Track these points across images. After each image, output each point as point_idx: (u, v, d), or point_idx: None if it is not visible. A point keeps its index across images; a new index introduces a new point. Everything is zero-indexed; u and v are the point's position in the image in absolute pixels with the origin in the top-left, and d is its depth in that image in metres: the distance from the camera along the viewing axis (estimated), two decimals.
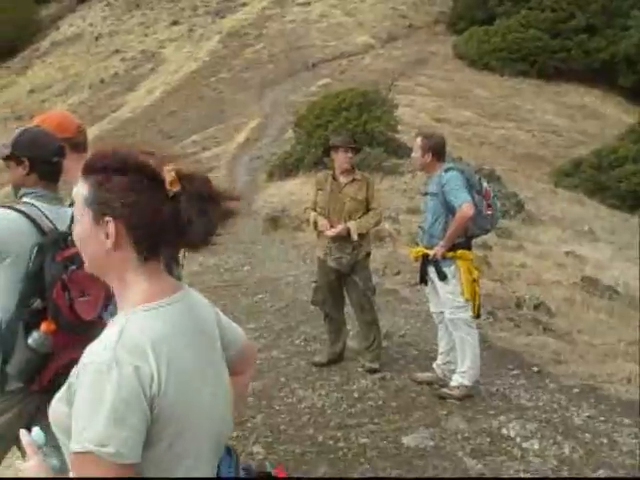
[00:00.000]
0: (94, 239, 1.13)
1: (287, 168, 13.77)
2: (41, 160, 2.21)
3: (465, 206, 3.55)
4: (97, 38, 30.04)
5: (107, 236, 1.11)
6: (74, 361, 2.07)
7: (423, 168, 3.92)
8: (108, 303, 2.22)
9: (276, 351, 4.73)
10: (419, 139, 3.84)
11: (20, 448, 2.22)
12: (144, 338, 1.08)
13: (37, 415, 2.12)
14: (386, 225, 8.52)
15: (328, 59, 24.25)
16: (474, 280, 3.68)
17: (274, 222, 10.20)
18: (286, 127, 17.63)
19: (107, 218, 1.11)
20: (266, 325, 5.42)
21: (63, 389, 1.16)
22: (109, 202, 1.11)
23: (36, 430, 1.25)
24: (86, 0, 36.90)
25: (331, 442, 3.28)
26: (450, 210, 3.65)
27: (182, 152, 16.95)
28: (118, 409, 1.03)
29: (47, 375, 2.08)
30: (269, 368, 4.41)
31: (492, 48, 24.86)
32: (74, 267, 2.09)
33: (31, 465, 1.18)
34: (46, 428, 1.88)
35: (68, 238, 2.15)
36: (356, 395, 3.89)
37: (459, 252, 3.68)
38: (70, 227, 2.22)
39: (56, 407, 1.14)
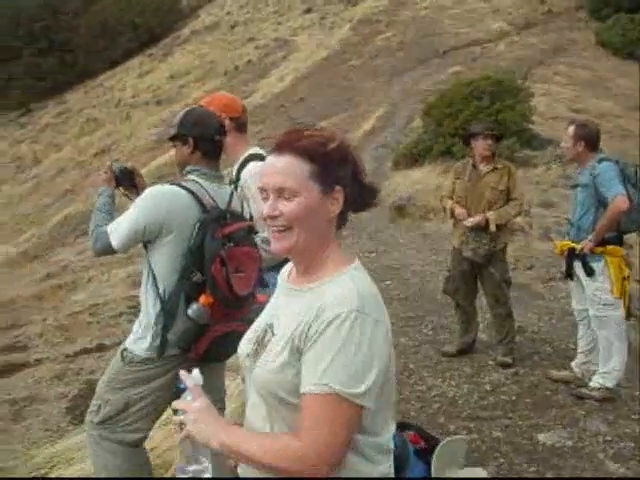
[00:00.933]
0: (321, 209, 1.25)
1: (414, 157, 13.62)
2: (204, 138, 2.33)
3: (618, 199, 3.36)
4: (233, 26, 31.08)
5: (334, 204, 1.26)
6: (228, 333, 2.21)
7: (574, 158, 3.73)
8: (260, 280, 2.31)
9: (404, 338, 4.73)
10: (571, 128, 3.66)
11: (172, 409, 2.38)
12: (373, 292, 1.25)
13: None
14: (518, 218, 8.26)
15: (460, 46, 23.66)
16: (625, 278, 3.47)
17: (400, 210, 10.17)
18: (414, 115, 17.43)
19: (338, 187, 1.25)
20: (393, 312, 5.42)
21: (281, 356, 1.23)
22: (338, 173, 1.25)
23: (196, 371, 1.34)
24: None
25: (464, 432, 3.24)
26: (601, 203, 3.47)
27: None
28: (367, 356, 1.16)
29: (203, 344, 2.21)
30: (397, 355, 4.41)
31: (638, 37, 23.27)
32: (232, 244, 2.19)
33: (199, 405, 1.27)
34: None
35: (227, 215, 2.26)
36: (488, 388, 3.81)
37: (609, 248, 3.48)
38: (229, 204, 2.34)
39: (277, 375, 1.23)
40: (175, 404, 1.31)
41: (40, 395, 3.76)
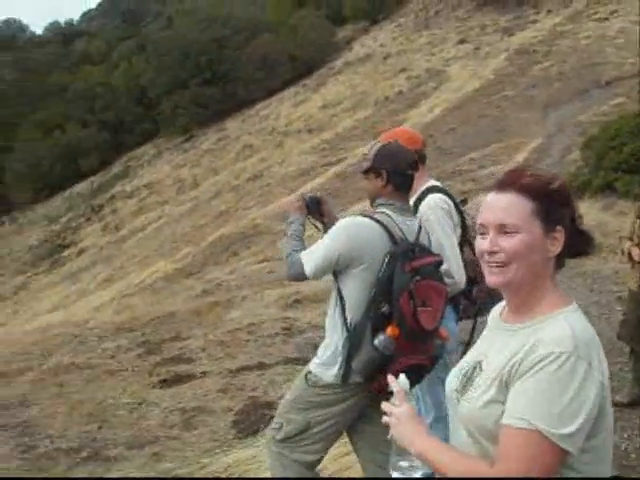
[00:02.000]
0: (540, 247, 1.27)
1: (571, 191, 12.97)
2: (397, 172, 2.38)
3: None
4: (385, 58, 31.59)
5: (555, 244, 1.27)
6: (412, 366, 2.21)
7: None
8: (444, 315, 2.30)
9: None
10: None
11: (349, 436, 2.40)
12: (589, 336, 1.23)
13: (367, 411, 2.28)
14: None
15: (624, 77, 22.34)
16: None
17: None
18: (571, 148, 16.66)
19: (559, 227, 1.28)
20: None
21: (488, 393, 1.23)
22: (560, 213, 1.28)
23: (402, 377, 1.38)
24: (379, 22, 39.06)
25: None
26: None
27: (457, 169, 17.01)
28: (575, 399, 1.14)
29: (386, 376, 2.22)
30: None
31: None
32: (419, 277, 2.20)
33: (402, 410, 1.34)
34: (370, 422, 1.98)
35: (416, 249, 2.28)
36: None
37: None
38: (418, 238, 2.36)
39: (483, 411, 1.23)
40: (383, 405, 1.39)
41: (207, 407, 3.96)
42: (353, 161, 20.07)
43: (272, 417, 3.63)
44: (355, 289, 2.26)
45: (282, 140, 29.21)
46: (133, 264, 22.53)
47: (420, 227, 2.42)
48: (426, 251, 2.36)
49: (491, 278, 1.28)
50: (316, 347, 5.22)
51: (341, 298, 2.29)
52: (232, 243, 17.16)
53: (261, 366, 4.62)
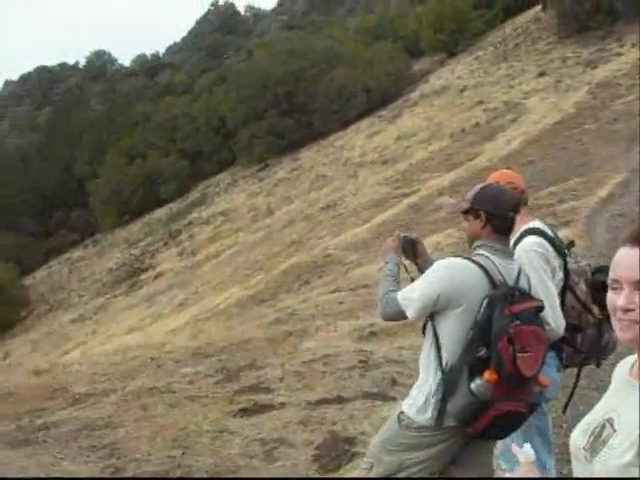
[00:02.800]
0: None
1: None
2: (497, 214, 2.36)
3: None
4: (462, 90, 31.43)
5: None
6: (509, 413, 2.16)
7: None
8: (544, 362, 2.24)
9: None
10: None
11: None
12: None
13: (460, 455, 2.24)
14: None
15: None
16: None
17: None
18: None
19: None
20: None
21: (626, 457, 1.20)
22: None
23: (527, 446, 1.35)
24: (456, 55, 39.01)
25: None
26: None
27: (536, 203, 16.64)
28: None
29: (483, 421, 2.19)
30: None
31: None
32: (519, 322, 2.16)
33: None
34: (462, 466, 1.93)
35: (516, 293, 2.24)
36: None
37: None
38: (517, 281, 2.32)
39: (621, 473, 1.20)
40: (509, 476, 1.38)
41: (288, 439, 3.97)
42: (427, 193, 19.95)
43: (354, 454, 3.61)
44: (452, 330, 2.24)
45: (356, 171, 29.39)
46: (207, 289, 23.01)
47: (520, 270, 2.38)
48: (526, 295, 2.32)
49: (624, 335, 1.24)
50: (394, 382, 5.18)
51: (437, 339, 2.27)
52: (304, 272, 17.27)
53: (340, 400, 4.61)
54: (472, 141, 25.78)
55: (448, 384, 2.19)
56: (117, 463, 3.86)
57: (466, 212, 2.44)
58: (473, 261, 2.29)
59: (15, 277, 39.80)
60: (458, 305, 2.22)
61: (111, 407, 5.26)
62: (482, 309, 2.19)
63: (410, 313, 2.32)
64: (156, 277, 31.24)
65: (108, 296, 31.84)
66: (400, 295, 2.35)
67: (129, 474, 3.69)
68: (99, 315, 28.75)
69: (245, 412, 4.51)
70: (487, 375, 2.12)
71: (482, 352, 2.15)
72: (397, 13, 48.62)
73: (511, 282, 2.29)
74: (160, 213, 43.14)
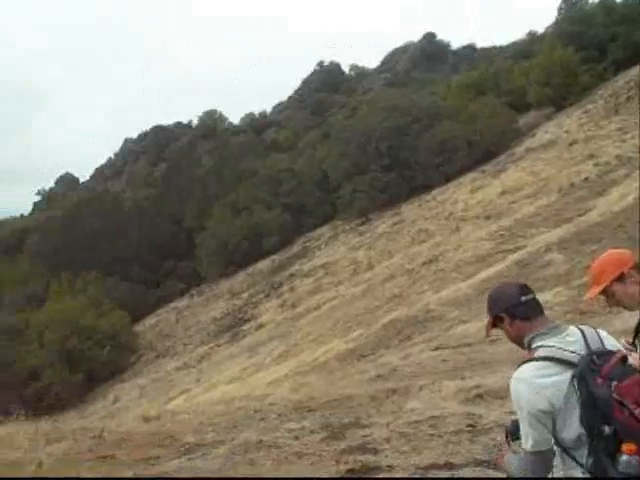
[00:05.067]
0: None
1: None
2: (512, 306, 2.37)
3: None
4: (571, 144, 30.61)
5: None
6: None
7: None
8: None
9: None
10: None
11: None
12: None
13: None
14: None
15: None
16: None
17: None
18: None
19: None
20: None
21: None
22: None
23: None
24: (564, 108, 38.20)
25: None
26: None
27: None
28: None
29: None
30: None
31: None
32: (616, 382, 2.09)
33: None
34: None
35: (594, 357, 2.18)
36: None
37: None
38: (588, 346, 2.27)
39: None
40: None
41: None
42: (533, 249, 19.36)
43: None
44: (567, 429, 2.21)
45: (458, 225, 29.02)
46: (307, 341, 23.14)
47: (583, 332, 2.33)
48: (605, 353, 2.26)
49: None
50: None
51: (559, 444, 2.26)
52: (404, 327, 17.06)
53: (450, 466, 4.48)
54: (582, 196, 24.90)
55: (598, 476, 2.12)
56: None
57: (494, 325, 2.49)
58: (539, 358, 2.27)
59: (127, 324, 41.76)
60: (559, 406, 2.20)
61: (220, 459, 5.36)
62: (578, 393, 2.15)
63: (529, 449, 2.28)
64: (258, 328, 31.80)
65: (212, 345, 32.67)
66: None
67: None
68: (203, 364, 29.50)
69: (353, 473, 4.47)
70: (625, 448, 2.03)
71: (606, 430, 2.07)
72: (500, 68, 48.41)
73: (582, 351, 2.25)
74: (263, 265, 44.17)
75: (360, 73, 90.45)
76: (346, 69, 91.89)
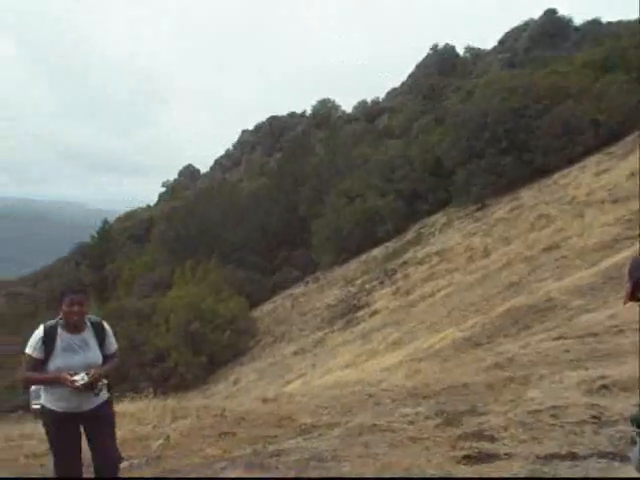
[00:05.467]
0: None
1: None
2: None
3: None
4: None
5: None
6: None
7: None
8: None
9: None
10: None
11: None
12: None
13: None
14: None
15: None
16: None
17: None
18: None
19: None
20: None
21: None
22: None
23: None
24: None
25: None
26: None
27: None
28: None
29: None
30: None
31: None
32: None
33: None
34: None
35: None
36: None
37: None
38: None
39: None
40: None
41: None
42: None
43: None
44: None
45: (582, 210, 27.58)
46: (421, 329, 22.94)
47: None
48: None
49: None
50: (633, 442, 4.69)
51: None
52: (523, 316, 16.50)
53: (572, 456, 4.29)
54: None
55: None
56: None
57: (633, 294, 2.46)
58: None
59: (245, 309, 43.28)
60: None
61: (335, 441, 5.43)
62: None
63: None
64: (371, 315, 31.88)
65: (326, 331, 33.14)
66: None
67: None
68: (318, 349, 30.01)
69: (469, 459, 4.39)
70: None
71: None
72: (630, 44, 45.28)
73: None
74: (376, 252, 44.16)
75: (476, 54, 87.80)
76: (461, 51, 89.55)
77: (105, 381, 4.01)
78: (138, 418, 8.21)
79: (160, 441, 6.54)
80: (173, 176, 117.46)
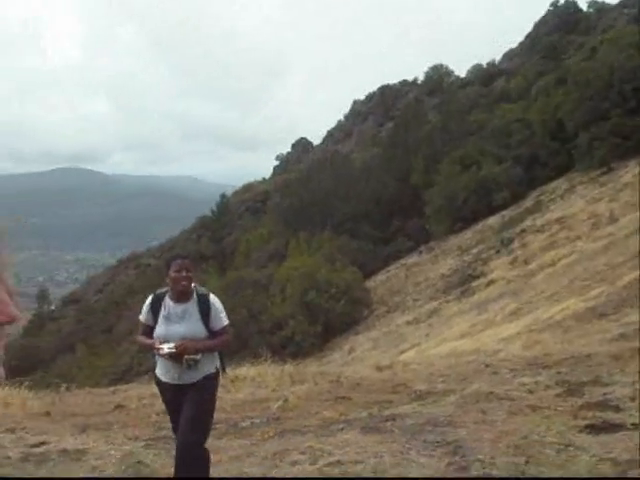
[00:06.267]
0: None
1: None
2: None
3: None
4: None
5: None
6: None
7: None
8: None
9: None
10: None
11: None
12: None
13: None
14: None
15: None
16: None
17: None
18: None
19: None
20: None
21: None
22: None
23: None
24: None
25: None
26: None
27: None
28: None
29: None
30: None
31: None
32: None
33: None
34: None
35: None
36: None
37: None
38: None
39: None
40: None
41: None
42: None
43: None
44: None
45: None
46: (541, 299, 22.19)
47: None
48: None
49: None
50: None
51: None
52: None
53: None
54: None
55: None
56: (461, 461, 3.95)
57: None
58: None
59: (359, 279, 43.60)
60: None
61: (451, 407, 5.40)
62: None
63: None
64: (487, 285, 31.19)
65: (441, 301, 32.81)
66: None
67: (473, 474, 3.76)
68: (432, 319, 29.80)
69: (592, 429, 4.23)
70: None
71: None
72: None
73: None
74: (492, 221, 42.95)
75: (600, 9, 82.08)
76: (584, 6, 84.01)
77: (198, 357, 3.84)
78: (258, 382, 8.55)
79: (279, 403, 6.78)
80: (287, 149, 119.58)
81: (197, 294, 4.01)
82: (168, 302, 4.00)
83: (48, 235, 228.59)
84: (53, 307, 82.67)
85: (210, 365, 3.96)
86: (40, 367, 42.74)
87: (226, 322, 4.05)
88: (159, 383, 4.07)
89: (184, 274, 3.89)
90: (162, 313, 3.98)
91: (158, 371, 4.05)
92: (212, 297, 4.05)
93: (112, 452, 5.01)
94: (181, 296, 3.97)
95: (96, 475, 4.62)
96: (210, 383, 3.98)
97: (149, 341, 3.96)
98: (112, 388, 10.12)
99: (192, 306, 3.96)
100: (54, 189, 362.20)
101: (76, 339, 53.51)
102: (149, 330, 4.02)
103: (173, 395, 3.96)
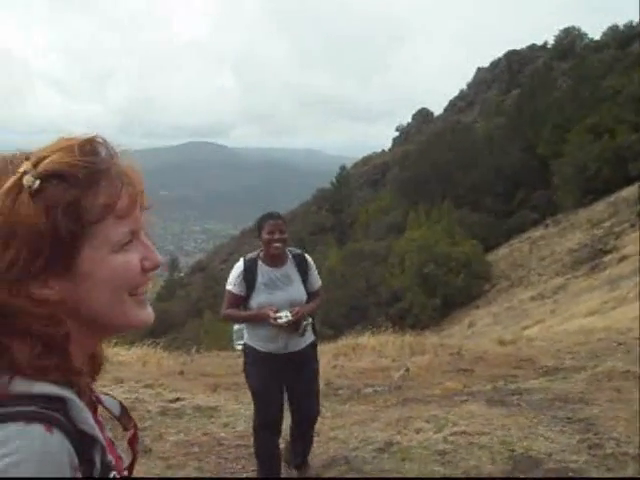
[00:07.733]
0: None
1: None
2: None
3: None
4: None
5: None
6: None
7: None
8: None
9: None
10: None
11: None
12: None
13: None
14: None
15: None
16: None
17: None
18: None
19: None
20: None
21: None
22: None
23: None
24: None
25: None
26: None
27: None
28: None
29: None
30: None
31: None
32: None
33: None
34: None
35: None
36: None
37: None
38: None
39: None
40: None
41: None
42: None
43: None
44: None
45: None
46: None
47: None
48: None
49: None
50: None
51: None
52: None
53: None
54: None
55: None
56: (594, 439, 3.81)
57: None
58: None
59: (479, 253, 42.58)
60: None
61: (582, 384, 5.19)
62: None
63: None
64: (620, 260, 29.42)
65: (568, 277, 31.39)
66: None
67: (608, 452, 3.60)
68: (558, 295, 28.61)
69: None
70: None
71: None
72: None
73: None
74: (627, 192, 40.30)
75: None
76: None
77: (310, 320, 3.60)
78: (378, 351, 8.62)
79: (401, 372, 6.81)
80: (407, 120, 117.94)
81: (292, 255, 3.71)
82: (263, 267, 3.63)
83: (176, 207, 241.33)
84: (182, 274, 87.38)
85: (310, 331, 3.71)
86: (172, 330, 45.44)
87: (320, 282, 3.81)
88: (256, 354, 3.69)
89: (277, 236, 3.54)
90: (259, 280, 3.60)
91: (254, 342, 3.68)
92: (307, 257, 3.78)
93: (242, 411, 5.25)
94: (276, 259, 3.63)
95: (229, 429, 4.88)
96: (314, 351, 3.81)
97: (253, 313, 3.58)
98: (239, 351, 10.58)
99: (290, 269, 3.66)
100: (186, 162, 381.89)
101: (204, 305, 56.31)
102: (240, 301, 3.64)
103: (277, 365, 3.64)
